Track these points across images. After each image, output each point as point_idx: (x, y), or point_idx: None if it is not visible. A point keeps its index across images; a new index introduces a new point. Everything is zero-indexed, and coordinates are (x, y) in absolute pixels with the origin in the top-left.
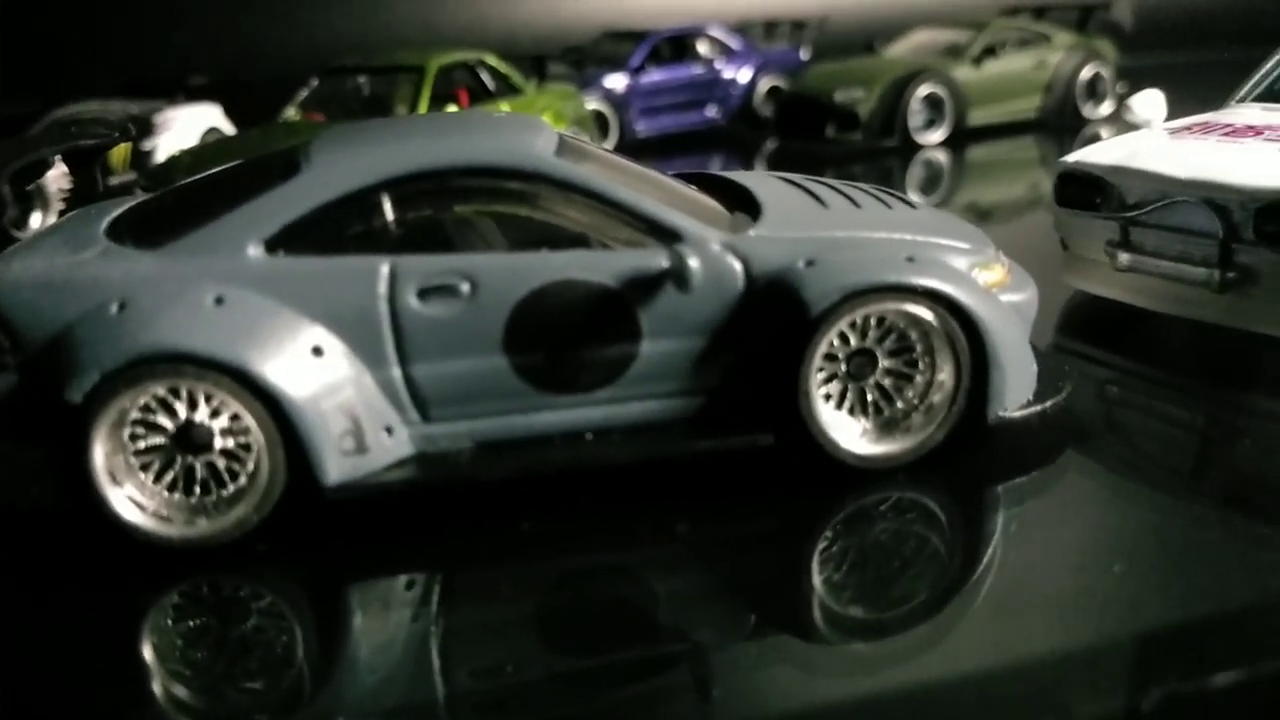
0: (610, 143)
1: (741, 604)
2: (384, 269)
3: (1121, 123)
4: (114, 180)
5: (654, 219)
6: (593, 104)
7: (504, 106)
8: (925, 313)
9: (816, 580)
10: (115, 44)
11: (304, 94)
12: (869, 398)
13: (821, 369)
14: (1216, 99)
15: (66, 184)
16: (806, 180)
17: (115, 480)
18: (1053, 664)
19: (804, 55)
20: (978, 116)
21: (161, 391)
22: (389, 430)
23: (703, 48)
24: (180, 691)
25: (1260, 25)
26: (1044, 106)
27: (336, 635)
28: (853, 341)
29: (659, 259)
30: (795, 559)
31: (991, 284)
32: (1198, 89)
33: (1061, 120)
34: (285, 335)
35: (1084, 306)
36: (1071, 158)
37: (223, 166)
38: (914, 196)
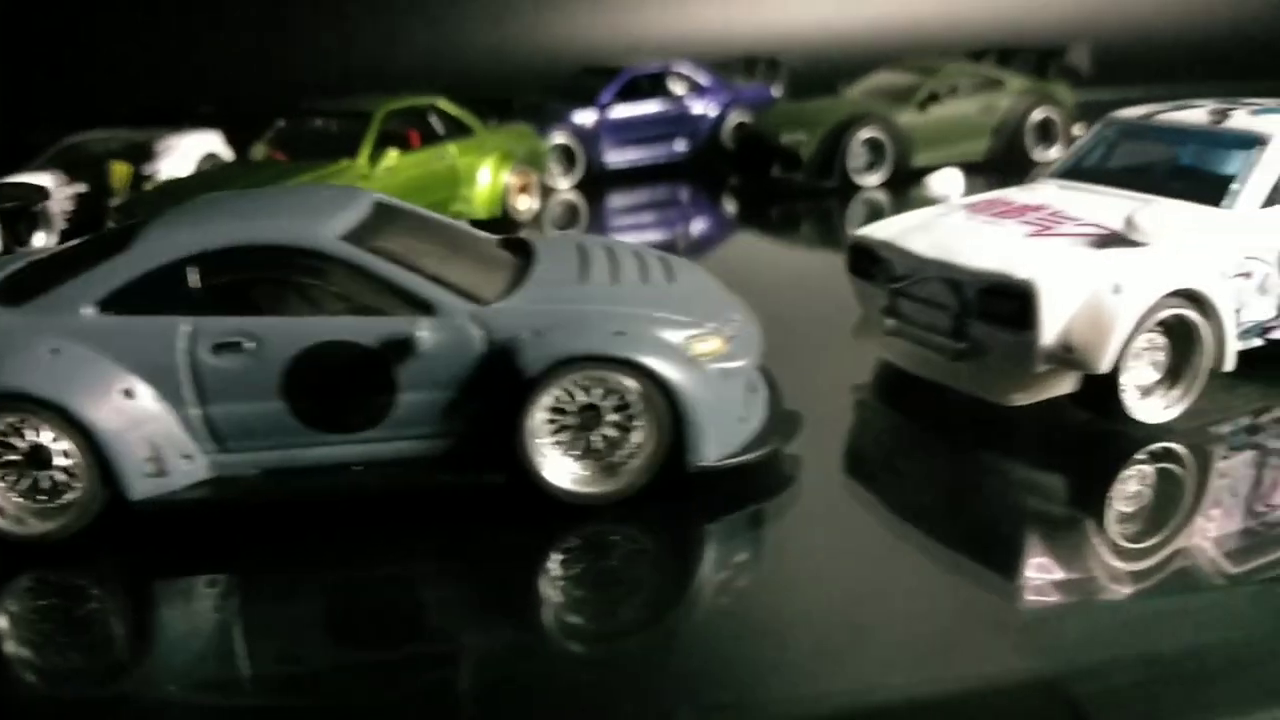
0: (577, 175)
1: (484, 610)
2: (185, 328)
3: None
4: (115, 201)
5: (411, 293)
6: (560, 139)
7: (452, 148)
8: (627, 379)
9: (549, 592)
10: (138, 75)
11: (269, 134)
12: (593, 445)
13: (552, 421)
14: None
15: (70, 206)
16: (601, 249)
17: None
18: (754, 668)
19: (775, 93)
20: (924, 158)
21: (15, 420)
22: (188, 458)
23: (674, 84)
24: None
25: (1224, 58)
26: (992, 149)
27: (152, 620)
28: (578, 399)
29: (408, 326)
30: (530, 575)
31: (703, 354)
32: None
33: (1010, 162)
34: (102, 380)
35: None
36: (860, 231)
37: (88, 237)
38: (689, 268)
